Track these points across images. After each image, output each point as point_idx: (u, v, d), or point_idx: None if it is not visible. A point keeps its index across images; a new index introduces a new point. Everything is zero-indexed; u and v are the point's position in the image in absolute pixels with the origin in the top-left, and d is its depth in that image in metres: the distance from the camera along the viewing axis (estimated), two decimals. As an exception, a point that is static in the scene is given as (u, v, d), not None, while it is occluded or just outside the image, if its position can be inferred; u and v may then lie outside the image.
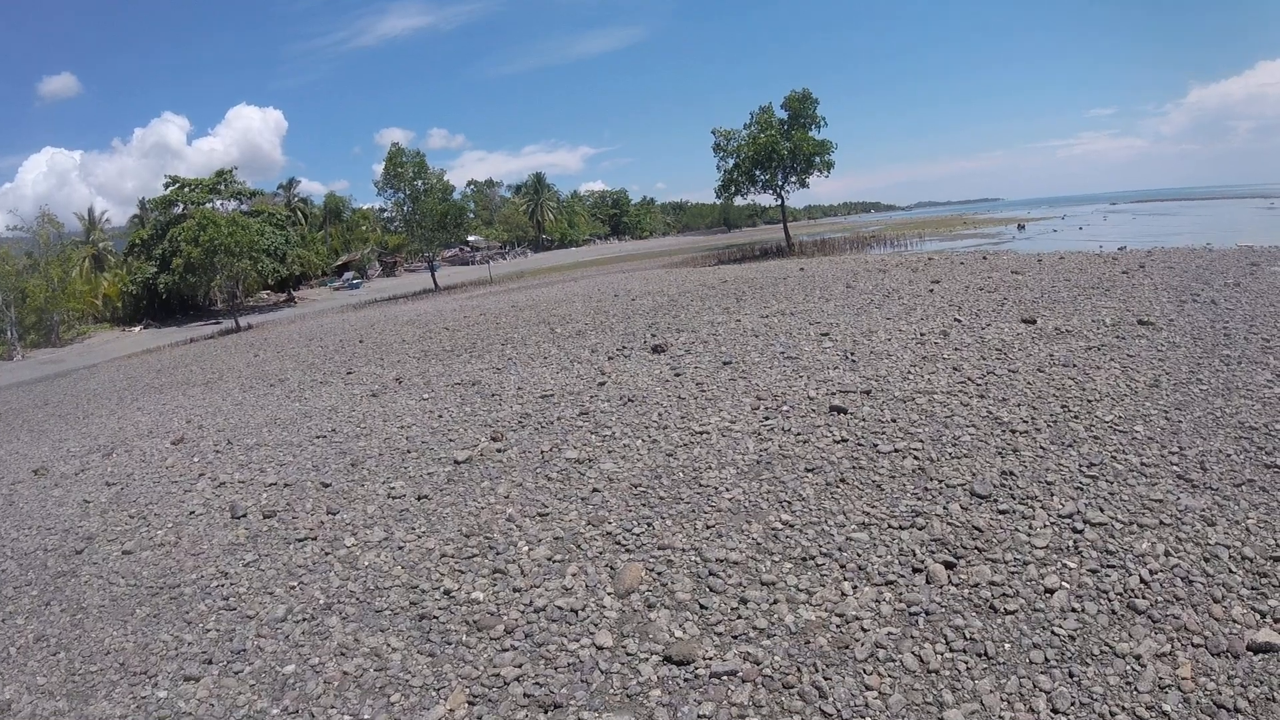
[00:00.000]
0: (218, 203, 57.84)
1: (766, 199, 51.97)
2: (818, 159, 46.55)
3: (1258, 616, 4.04)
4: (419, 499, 7.30)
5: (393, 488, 7.70)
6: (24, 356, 44.23)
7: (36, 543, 8.03)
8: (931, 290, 16.46)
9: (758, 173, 47.96)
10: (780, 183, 48.71)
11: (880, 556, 5.05)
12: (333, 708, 4.31)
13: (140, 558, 7.05)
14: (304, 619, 5.38)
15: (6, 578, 7.21)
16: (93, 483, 10.05)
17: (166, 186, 57.49)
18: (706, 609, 4.74)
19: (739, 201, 54.45)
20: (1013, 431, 6.88)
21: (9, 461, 12.87)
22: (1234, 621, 4.02)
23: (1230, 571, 4.43)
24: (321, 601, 5.58)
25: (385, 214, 57.40)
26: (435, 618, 5.11)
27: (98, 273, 59.12)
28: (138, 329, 52.94)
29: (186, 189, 57.22)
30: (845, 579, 4.86)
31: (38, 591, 6.74)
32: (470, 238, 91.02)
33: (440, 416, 10.35)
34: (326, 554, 6.38)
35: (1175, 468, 5.82)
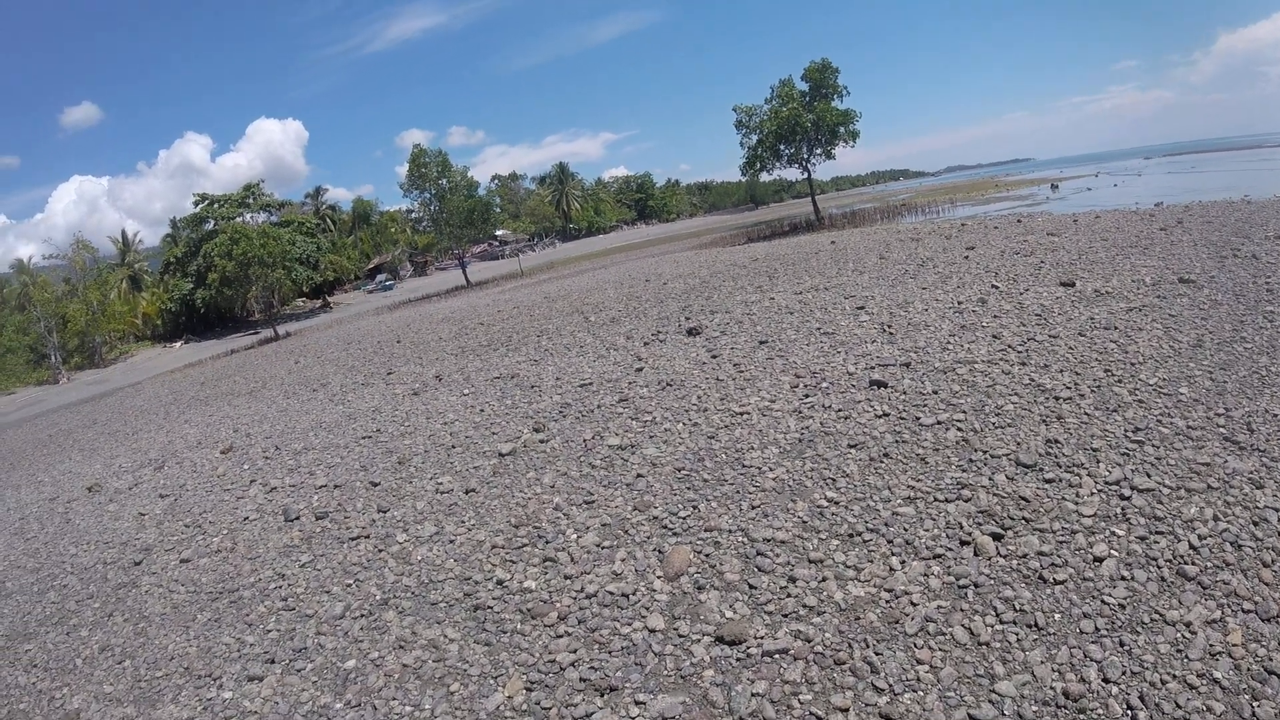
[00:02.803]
0: (247, 216, 58.65)
1: (792, 173, 51.55)
2: (842, 129, 46.12)
3: (1312, 578, 3.98)
4: (467, 493, 7.42)
5: (440, 483, 7.83)
6: (69, 379, 45.56)
7: (95, 557, 8.32)
8: (966, 257, 16.21)
9: (782, 147, 47.59)
10: (805, 156, 48.26)
11: (927, 530, 5.05)
12: (394, 699, 4.44)
13: (198, 565, 7.27)
14: (362, 615, 5.53)
15: (69, 592, 7.50)
16: (146, 496, 10.37)
17: (196, 204, 58.36)
18: (756, 589, 4.78)
19: (765, 177, 54.08)
20: (1056, 398, 6.80)
21: (63, 481, 13.32)
22: (1286, 585, 3.96)
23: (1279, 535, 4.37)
24: (378, 597, 5.73)
25: (413, 215, 57.96)
26: (490, 608, 5.22)
27: (135, 293, 60.45)
28: (178, 344, 54.10)
29: (216, 205, 58.05)
30: (893, 554, 4.87)
31: (100, 604, 7.01)
32: (498, 232, 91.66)
33: (482, 411, 10.49)
34: (380, 551, 6.54)
35: (1221, 430, 5.72)
